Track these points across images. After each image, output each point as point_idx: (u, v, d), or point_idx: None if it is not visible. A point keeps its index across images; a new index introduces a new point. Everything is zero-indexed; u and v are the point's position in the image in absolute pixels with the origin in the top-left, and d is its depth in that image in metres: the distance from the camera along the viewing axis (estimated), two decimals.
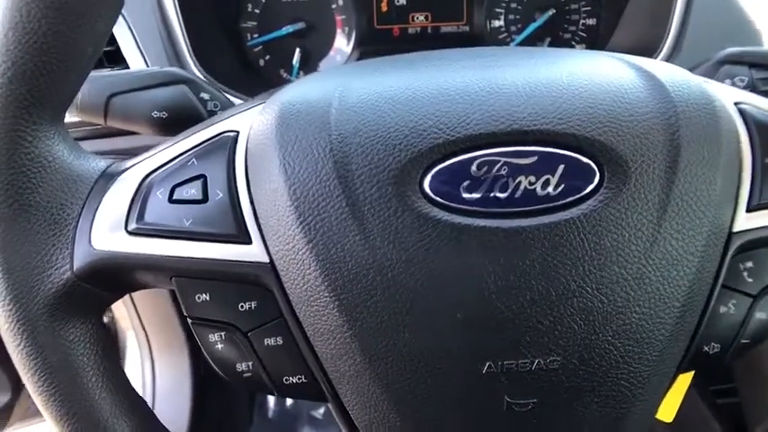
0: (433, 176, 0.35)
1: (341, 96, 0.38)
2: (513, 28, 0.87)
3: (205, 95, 0.54)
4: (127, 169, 0.40)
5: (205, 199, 0.38)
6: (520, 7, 0.86)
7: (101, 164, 0.41)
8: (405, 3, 0.86)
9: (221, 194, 0.38)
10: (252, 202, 0.38)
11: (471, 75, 0.38)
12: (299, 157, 0.36)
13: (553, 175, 0.35)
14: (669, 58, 0.72)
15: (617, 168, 0.35)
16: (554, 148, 0.35)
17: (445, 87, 0.37)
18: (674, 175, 0.35)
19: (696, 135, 0.36)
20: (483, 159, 0.35)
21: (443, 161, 0.35)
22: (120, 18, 0.71)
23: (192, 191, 0.38)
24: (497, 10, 0.87)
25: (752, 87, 0.53)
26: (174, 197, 0.38)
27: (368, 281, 0.35)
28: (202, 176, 0.39)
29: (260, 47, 0.86)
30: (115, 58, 0.71)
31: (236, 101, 0.72)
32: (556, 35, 0.86)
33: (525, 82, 0.37)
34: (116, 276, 0.39)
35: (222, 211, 0.38)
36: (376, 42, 0.86)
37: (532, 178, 0.35)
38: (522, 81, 0.37)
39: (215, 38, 0.81)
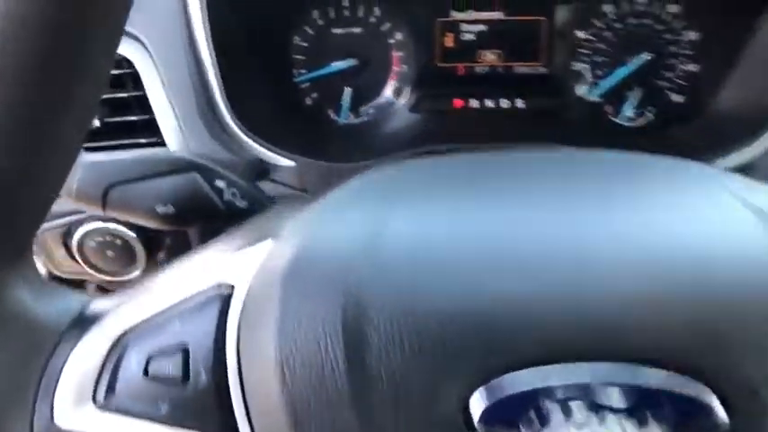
0: (482, 402, 0.25)
1: (367, 249, 0.28)
2: (598, 72, 0.74)
3: (220, 183, 0.45)
4: (99, 319, 0.32)
5: (186, 378, 0.30)
6: (609, 49, 0.74)
7: (71, 307, 0.33)
8: (473, 38, 0.75)
9: (205, 375, 0.29)
10: (242, 389, 0.29)
11: (539, 230, 0.28)
12: (304, 341, 0.27)
13: (655, 416, 0.24)
14: None
15: (746, 403, 0.24)
16: (652, 370, 0.25)
17: (507, 250, 0.27)
18: None
19: None
20: (553, 386, 0.25)
21: (497, 380, 0.25)
22: (146, 55, 0.63)
23: (171, 366, 0.30)
24: (583, 51, 0.74)
25: None
26: (150, 371, 0.30)
27: None
28: (184, 348, 0.30)
29: (307, 84, 0.77)
30: (141, 103, 0.64)
31: (277, 158, 0.64)
32: (649, 82, 0.74)
33: (613, 252, 0.27)
34: None
35: (205, 396, 0.29)
36: (437, 83, 0.75)
37: (623, 420, 0.24)
38: (607, 248, 0.27)
39: (254, 73, 0.72)
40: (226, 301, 0.30)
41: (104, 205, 0.43)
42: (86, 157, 0.44)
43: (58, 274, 0.72)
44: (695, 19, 0.72)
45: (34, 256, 0.34)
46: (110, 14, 0.27)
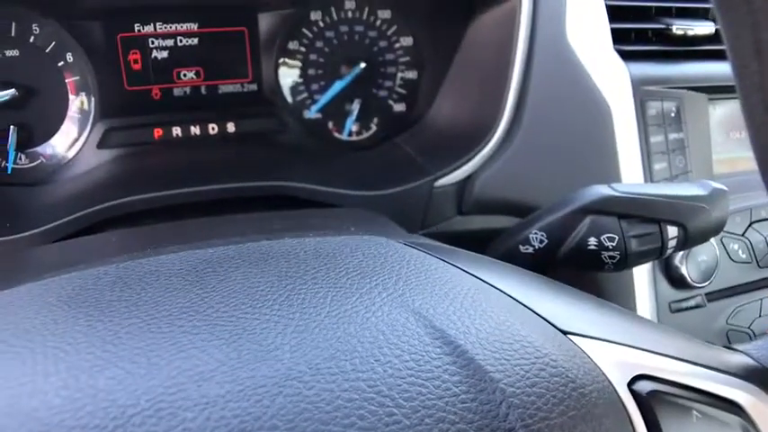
0: None
1: None
2: (314, 86, 0.67)
3: None
4: None
5: None
6: (323, 60, 0.67)
7: None
8: (167, 56, 0.63)
9: None
10: None
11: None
12: None
13: None
14: (507, 137, 0.57)
15: None
16: None
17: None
18: None
19: None
20: None
21: None
22: None
23: None
24: (291, 62, 0.66)
25: (623, 250, 0.38)
26: None
27: None
28: None
29: None
30: None
31: None
32: (368, 93, 0.68)
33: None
34: None
35: None
36: (128, 111, 0.62)
37: None
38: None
39: None
40: None
41: None
42: None
43: None
44: (408, 24, 0.68)
45: None
46: None
